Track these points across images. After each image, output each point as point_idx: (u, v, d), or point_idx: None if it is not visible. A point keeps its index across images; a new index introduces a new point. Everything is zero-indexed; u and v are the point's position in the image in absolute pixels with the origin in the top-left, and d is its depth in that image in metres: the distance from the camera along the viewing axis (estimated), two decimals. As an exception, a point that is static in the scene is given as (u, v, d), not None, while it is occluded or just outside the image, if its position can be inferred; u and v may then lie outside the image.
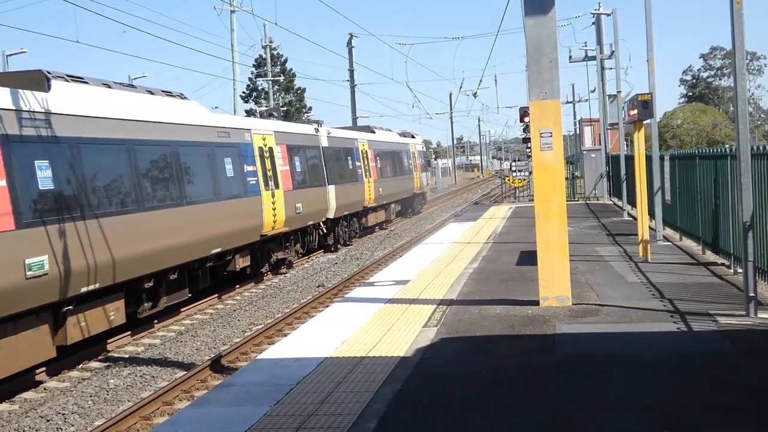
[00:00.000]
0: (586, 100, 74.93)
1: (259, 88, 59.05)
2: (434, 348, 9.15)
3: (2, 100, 12.24)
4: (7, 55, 40.36)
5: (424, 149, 52.97)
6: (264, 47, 48.70)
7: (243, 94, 56.70)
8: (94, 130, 14.47)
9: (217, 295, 20.19)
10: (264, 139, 22.71)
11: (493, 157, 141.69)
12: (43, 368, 13.44)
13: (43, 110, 13.16)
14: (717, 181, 14.08)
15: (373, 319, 10.95)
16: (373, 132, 37.83)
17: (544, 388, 7.42)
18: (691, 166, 16.35)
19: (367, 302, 12.33)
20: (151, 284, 16.02)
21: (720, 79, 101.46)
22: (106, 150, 14.78)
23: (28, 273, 11.97)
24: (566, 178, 32.40)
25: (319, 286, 21.51)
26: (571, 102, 66.70)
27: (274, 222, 22.28)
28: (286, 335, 13.55)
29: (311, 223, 26.22)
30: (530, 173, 40.08)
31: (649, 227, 15.99)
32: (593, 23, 35.00)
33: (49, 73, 14.28)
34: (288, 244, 24.54)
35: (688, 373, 7.69)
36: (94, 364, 14.35)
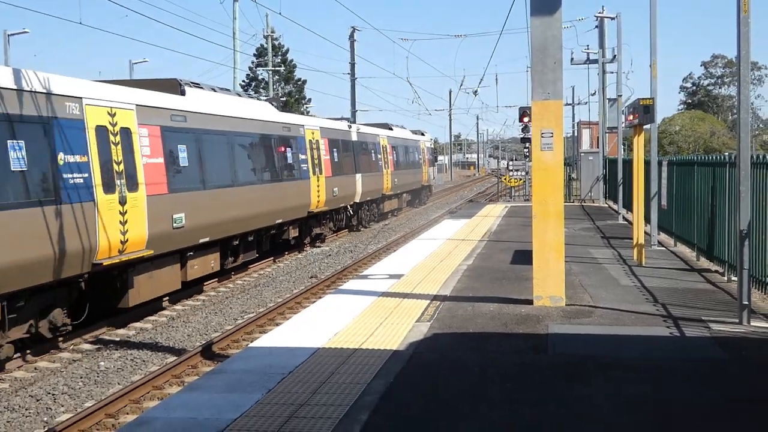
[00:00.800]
0: (586, 103, 74.98)
1: (259, 77, 58.93)
2: (427, 343, 9.16)
3: (161, 100, 17.12)
4: (9, 35, 40.14)
5: (432, 146, 56.85)
6: (265, 37, 48.62)
7: (243, 83, 56.60)
8: (210, 124, 19.32)
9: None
10: (312, 133, 27.61)
11: (490, 156, 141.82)
12: (167, 298, 17.83)
13: (181, 109, 17.84)
14: (714, 188, 14.11)
15: (366, 312, 10.96)
16: (391, 129, 42.27)
17: (536, 386, 7.44)
18: (689, 173, 16.38)
19: (361, 295, 12.34)
20: (236, 243, 20.74)
21: (720, 88, 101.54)
22: (216, 139, 19.55)
23: (174, 224, 16.69)
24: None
25: (312, 277, 21.52)
26: (570, 104, 66.69)
27: (318, 202, 27.27)
28: (278, 324, 13.56)
29: (342, 205, 31.30)
30: (527, 173, 40.20)
31: (644, 232, 16.03)
32: (596, 26, 35.01)
33: (180, 81, 19.18)
34: (324, 221, 29.41)
35: (680, 377, 7.71)
36: (85, 345, 14.34)
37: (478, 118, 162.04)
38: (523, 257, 15.61)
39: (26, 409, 10.99)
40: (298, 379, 7.74)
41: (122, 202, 14.82)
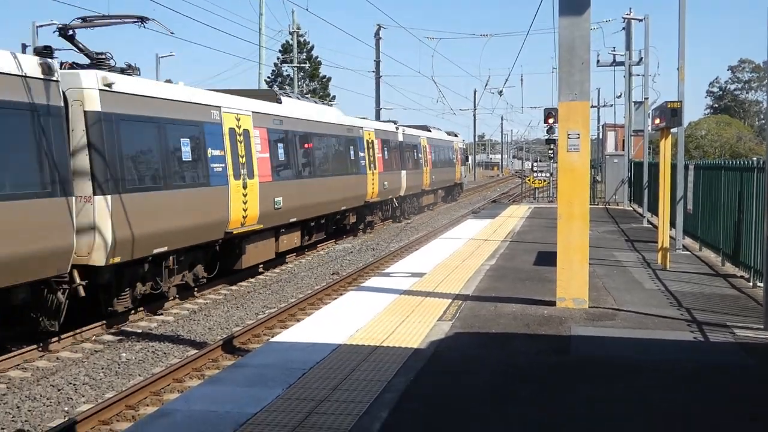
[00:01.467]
0: (611, 105, 74.64)
1: (284, 73, 59.14)
2: (448, 342, 9.12)
3: (267, 108, 21.45)
4: (37, 27, 40.38)
5: (464, 147, 61.78)
6: (291, 33, 48.71)
7: (267, 79, 56.77)
8: (298, 126, 23.77)
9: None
10: (369, 134, 31.81)
11: (514, 157, 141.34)
12: (263, 264, 21.81)
13: (280, 115, 22.34)
14: (742, 193, 13.96)
15: (387, 310, 10.94)
16: (429, 130, 46.18)
17: (558, 388, 7.39)
18: (716, 177, 16.22)
19: (382, 292, 12.32)
20: (312, 224, 24.90)
21: (747, 93, 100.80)
22: (302, 138, 23.94)
23: (275, 206, 20.75)
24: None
25: (333, 274, 21.53)
26: (595, 106, 66.30)
27: (372, 193, 31.55)
28: (299, 320, 13.57)
29: (390, 197, 35.51)
30: (551, 174, 40.02)
31: (669, 236, 15.89)
32: (623, 28, 34.72)
33: (277, 91, 24.96)
34: (375, 211, 33.54)
35: (704, 383, 7.64)
36: (107, 337, 14.41)
37: (502, 119, 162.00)
38: (547, 259, 15.53)
39: (47, 399, 11.06)
40: (318, 374, 7.73)
41: (244, 186, 18.94)
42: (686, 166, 18.18)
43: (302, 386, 7.35)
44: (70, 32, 15.02)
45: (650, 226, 23.83)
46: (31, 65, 12.36)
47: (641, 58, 33.57)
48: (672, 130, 16.00)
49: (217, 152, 17.70)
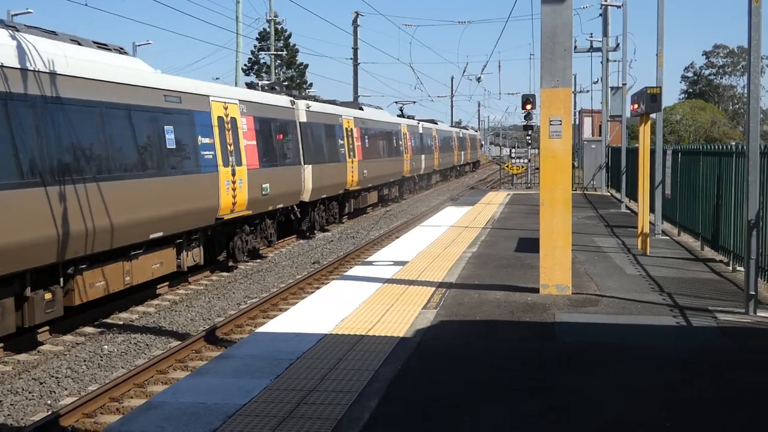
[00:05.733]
0: (588, 91, 74.79)
1: (261, 61, 58.78)
2: (434, 330, 9.14)
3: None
4: (12, 15, 39.82)
5: (470, 137, 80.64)
6: (268, 21, 48.42)
7: (245, 67, 56.42)
8: (370, 126, 35.14)
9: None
10: (404, 128, 43.60)
11: (491, 143, 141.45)
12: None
13: (363, 117, 34.07)
14: (721, 178, 14.07)
15: (371, 299, 10.94)
16: (436, 123, 59.04)
17: (544, 375, 7.42)
18: (695, 162, 16.34)
19: (366, 281, 12.31)
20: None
21: (721, 78, 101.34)
22: (371, 133, 34.90)
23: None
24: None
25: (314, 263, 21.49)
26: (573, 92, 66.56)
27: (407, 171, 43.44)
28: (282, 310, 13.56)
29: (418, 173, 48.00)
30: (529, 161, 40.10)
31: (649, 221, 15.98)
32: (600, 14, 34.86)
33: (359, 102, 39.65)
34: (406, 184, 45.04)
35: (688, 367, 7.70)
36: (88, 329, 14.32)
37: (479, 105, 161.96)
38: (528, 245, 15.60)
39: (30, 392, 10.97)
40: (306, 365, 7.72)
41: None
42: (665, 151, 18.28)
43: (290, 377, 7.34)
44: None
45: (629, 211, 23.96)
46: (288, 101, 25.15)
47: (618, 44, 33.73)
48: (651, 115, 16.06)
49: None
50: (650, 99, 14.42)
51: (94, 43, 15.59)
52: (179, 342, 13.17)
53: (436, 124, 58.36)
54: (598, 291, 11.37)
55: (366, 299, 10.90)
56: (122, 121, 14.90)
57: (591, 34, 40.39)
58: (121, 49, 16.58)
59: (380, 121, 37.92)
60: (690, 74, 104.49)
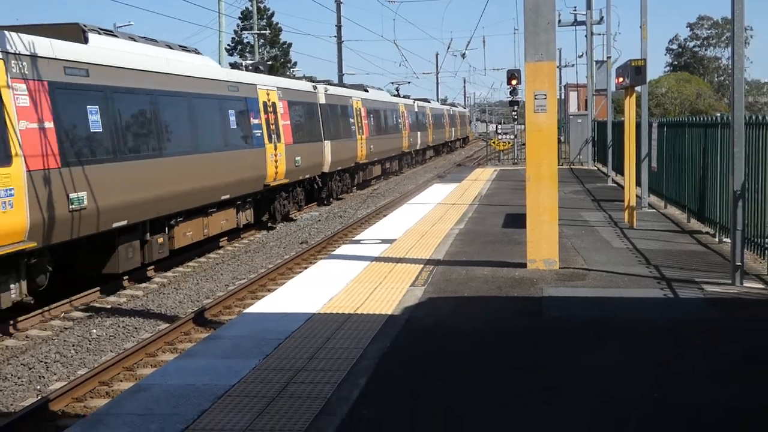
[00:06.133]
0: (573, 65, 74.78)
1: (245, 41, 58.44)
2: (422, 307, 9.14)
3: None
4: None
5: (459, 114, 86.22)
6: (251, 0, 48.05)
7: (228, 47, 56.06)
8: (375, 105, 38.75)
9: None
10: (427, 110, 55.64)
11: (477, 119, 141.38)
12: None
13: (368, 98, 37.42)
14: (706, 149, 14.09)
15: (359, 277, 10.93)
16: (447, 105, 73.32)
17: (533, 350, 7.44)
18: (680, 134, 16.36)
19: (354, 260, 12.30)
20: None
21: (706, 50, 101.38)
22: (375, 113, 38.49)
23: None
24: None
25: (302, 243, 21.46)
26: (558, 66, 66.40)
27: (425, 143, 54.78)
28: (270, 291, 13.53)
29: (440, 143, 63.89)
30: (515, 136, 40.09)
31: (635, 194, 16.02)
32: (584, -13, 34.72)
33: (364, 85, 40.52)
34: (407, 159, 50.61)
35: (676, 339, 7.73)
36: (76, 313, 14.27)
37: (465, 81, 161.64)
38: (515, 221, 15.61)
39: (18, 378, 10.94)
40: (294, 344, 7.71)
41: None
42: (650, 124, 18.29)
43: (279, 356, 7.33)
44: None
45: (615, 185, 24.02)
46: (311, 86, 29.02)
47: (602, 18, 33.65)
48: (636, 88, 16.06)
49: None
50: (635, 71, 14.40)
51: (179, 46, 19.88)
52: (168, 324, 13.15)
53: (429, 102, 64.15)
54: (586, 265, 11.39)
55: (354, 277, 10.89)
56: (203, 108, 18.97)
57: (575, 7, 40.29)
58: (196, 50, 20.81)
59: (382, 101, 42.18)
60: (674, 46, 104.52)
